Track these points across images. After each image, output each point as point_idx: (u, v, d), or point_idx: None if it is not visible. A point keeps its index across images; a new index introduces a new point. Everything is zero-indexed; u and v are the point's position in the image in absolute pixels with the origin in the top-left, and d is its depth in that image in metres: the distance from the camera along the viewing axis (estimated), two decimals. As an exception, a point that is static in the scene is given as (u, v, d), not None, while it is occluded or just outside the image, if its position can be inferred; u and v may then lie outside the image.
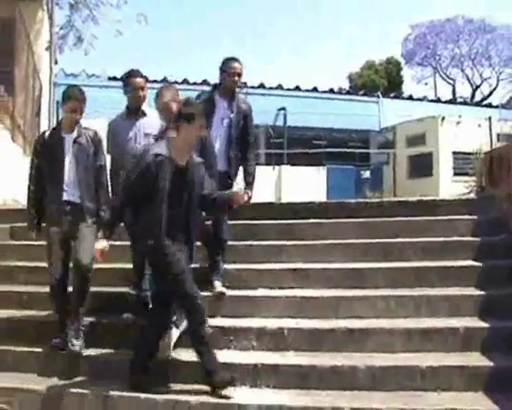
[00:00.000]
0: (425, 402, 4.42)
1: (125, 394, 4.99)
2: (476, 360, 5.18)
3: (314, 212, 6.21)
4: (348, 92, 29.82)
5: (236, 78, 6.32)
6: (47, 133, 5.89)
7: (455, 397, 4.82)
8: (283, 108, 22.41)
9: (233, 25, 77.53)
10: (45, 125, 14.09)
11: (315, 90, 25.27)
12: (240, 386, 5.08)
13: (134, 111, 6.23)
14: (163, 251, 4.98)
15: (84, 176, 5.63)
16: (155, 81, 22.60)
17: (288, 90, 24.70)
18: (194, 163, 5.17)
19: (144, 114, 6.20)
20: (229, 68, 6.29)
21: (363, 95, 27.84)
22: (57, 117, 16.28)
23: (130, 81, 6.17)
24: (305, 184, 18.80)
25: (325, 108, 22.73)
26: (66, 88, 5.88)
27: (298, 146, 21.86)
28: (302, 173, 19.89)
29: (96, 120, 18.37)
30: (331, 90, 25.81)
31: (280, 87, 24.57)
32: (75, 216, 5.55)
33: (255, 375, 5.15)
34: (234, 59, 6.36)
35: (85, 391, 5.09)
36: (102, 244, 5.09)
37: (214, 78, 6.62)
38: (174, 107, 5.56)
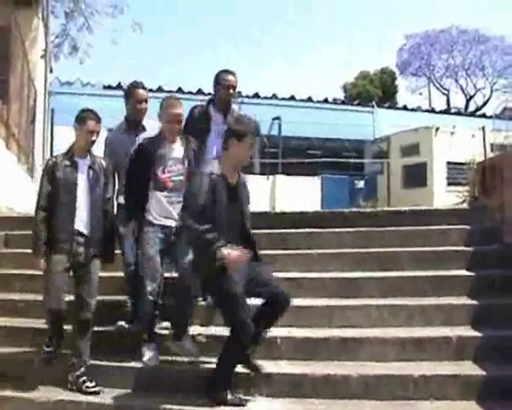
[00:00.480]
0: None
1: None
2: (469, 368, 5.20)
3: (308, 221, 6.23)
4: (343, 102, 29.92)
5: (231, 90, 6.24)
6: (59, 158, 5.51)
7: (448, 406, 4.85)
8: (278, 118, 22.46)
9: (228, 32, 77.66)
10: (40, 134, 14.10)
11: (309, 99, 25.36)
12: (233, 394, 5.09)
13: (134, 124, 6.14)
14: (223, 274, 4.81)
15: (96, 206, 5.41)
16: (150, 90, 22.74)
17: (283, 99, 24.78)
18: (242, 181, 5.19)
19: (144, 129, 6.09)
20: (223, 81, 6.19)
21: (358, 105, 27.95)
22: (51, 126, 16.32)
23: (132, 93, 6.13)
24: (300, 193, 18.83)
25: (320, 118, 22.80)
26: (80, 111, 5.65)
27: (292, 156, 21.90)
28: (296, 183, 19.93)
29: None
30: (326, 100, 25.89)
31: (274, 97, 24.65)
32: (86, 248, 5.33)
33: (248, 383, 5.15)
34: (228, 71, 6.27)
35: (82, 399, 5.09)
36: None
37: (209, 87, 6.65)
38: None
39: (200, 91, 22.27)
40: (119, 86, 22.75)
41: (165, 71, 64.69)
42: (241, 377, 5.15)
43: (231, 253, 4.74)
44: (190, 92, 22.84)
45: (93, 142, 5.52)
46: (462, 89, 43.66)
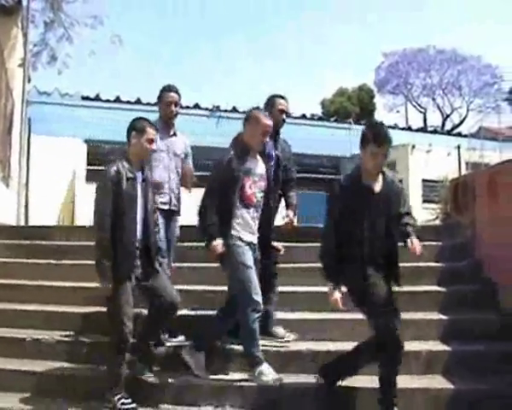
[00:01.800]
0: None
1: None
2: (438, 382, 5.28)
3: (284, 236, 6.25)
4: (320, 118, 30.08)
5: (284, 115, 6.24)
6: (120, 168, 5.13)
7: (416, 419, 4.91)
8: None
9: (203, 40, 77.78)
10: (17, 143, 14.03)
11: (287, 115, 25.40)
12: (205, 406, 5.14)
13: (167, 125, 6.18)
14: (365, 281, 4.78)
15: (149, 220, 5.28)
16: (128, 102, 22.70)
17: (262, 114, 24.84)
18: (389, 182, 4.94)
19: (175, 134, 6.25)
20: (279, 105, 6.20)
21: (335, 121, 28.12)
22: (28, 135, 16.23)
23: (162, 95, 6.17)
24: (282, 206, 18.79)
25: (297, 134, 22.83)
26: (133, 120, 5.41)
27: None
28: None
29: (71, 140, 18.47)
30: (303, 116, 26.01)
31: (253, 111, 24.74)
32: (147, 258, 5.25)
33: (221, 395, 5.19)
34: (282, 96, 6.30)
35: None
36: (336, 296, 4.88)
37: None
38: None
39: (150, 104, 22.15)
40: (97, 97, 22.72)
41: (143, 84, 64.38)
42: (214, 389, 5.20)
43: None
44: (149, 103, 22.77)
45: (152, 151, 5.48)
46: (438, 108, 44.15)
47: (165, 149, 6.10)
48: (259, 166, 5.52)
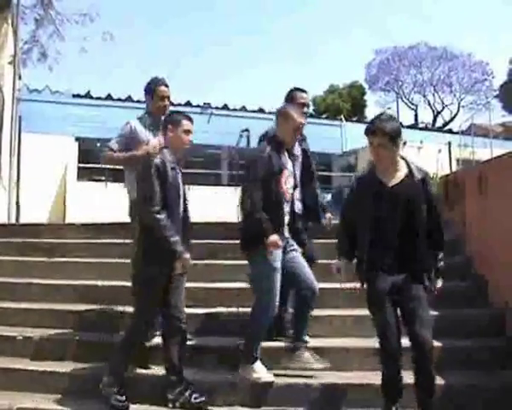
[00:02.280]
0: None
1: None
2: (429, 378, 5.29)
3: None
4: (311, 115, 30.09)
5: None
6: (163, 160, 5.11)
7: (408, 414, 4.92)
8: (247, 130, 22.52)
9: (200, 41, 77.65)
10: (7, 141, 13.97)
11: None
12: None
13: (157, 120, 6.00)
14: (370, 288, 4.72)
15: (188, 208, 5.35)
16: (119, 100, 22.64)
17: (252, 111, 24.84)
18: (411, 178, 4.63)
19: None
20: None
21: (326, 118, 28.14)
22: (19, 133, 16.18)
23: (154, 90, 6.04)
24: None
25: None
26: (170, 114, 5.48)
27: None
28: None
29: (62, 138, 18.41)
30: (295, 113, 26.01)
31: (244, 109, 24.72)
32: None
33: (212, 392, 5.19)
34: (303, 89, 6.34)
35: None
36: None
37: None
38: None
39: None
40: (88, 95, 22.66)
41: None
42: (206, 387, 5.21)
43: None
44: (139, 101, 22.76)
45: (190, 142, 5.36)
46: (429, 104, 44.30)
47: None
48: (289, 163, 5.52)
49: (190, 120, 5.35)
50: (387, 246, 4.57)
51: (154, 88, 6.06)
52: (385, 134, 4.56)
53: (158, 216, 4.95)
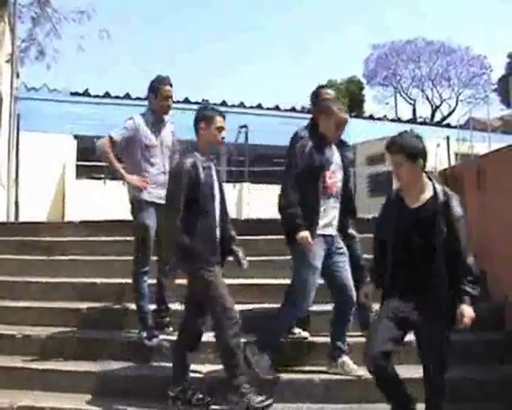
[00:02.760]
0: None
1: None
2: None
3: (272, 228, 6.26)
4: (309, 111, 30.08)
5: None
6: (195, 161, 5.06)
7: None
8: (245, 126, 22.48)
9: (196, 38, 77.65)
10: (5, 140, 13.97)
11: (277, 108, 25.42)
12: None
13: (159, 119, 6.12)
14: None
15: (225, 205, 5.27)
16: (117, 97, 22.62)
17: (251, 107, 24.81)
18: (436, 201, 4.41)
19: (164, 126, 6.18)
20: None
21: (325, 114, 28.06)
22: (18, 131, 16.16)
23: (159, 89, 6.05)
24: (266, 201, 18.74)
25: (287, 127, 22.82)
26: (202, 109, 5.34)
27: (259, 163, 21.92)
28: (263, 191, 19.92)
29: (60, 136, 18.38)
30: (293, 109, 25.99)
31: (242, 105, 24.70)
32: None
33: (212, 388, 5.20)
34: (328, 86, 6.36)
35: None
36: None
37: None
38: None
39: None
40: (86, 93, 22.64)
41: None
42: (204, 382, 5.21)
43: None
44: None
45: (222, 139, 5.25)
46: (428, 99, 44.24)
47: (158, 143, 6.07)
48: (336, 155, 5.51)
49: (223, 116, 5.25)
50: (404, 270, 4.41)
51: (158, 87, 6.06)
52: (399, 151, 4.44)
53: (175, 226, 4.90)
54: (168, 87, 6.08)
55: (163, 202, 5.86)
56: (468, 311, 4.22)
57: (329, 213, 5.36)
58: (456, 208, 4.37)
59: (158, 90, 6.05)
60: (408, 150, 4.40)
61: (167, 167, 6.09)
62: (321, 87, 6.30)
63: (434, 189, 4.45)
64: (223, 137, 5.22)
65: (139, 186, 5.89)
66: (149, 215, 5.91)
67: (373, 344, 4.32)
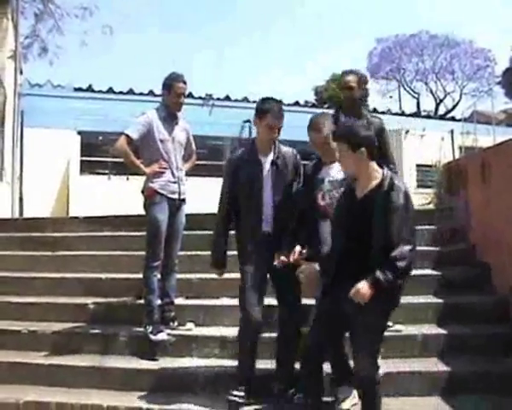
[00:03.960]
0: (384, 407, 4.49)
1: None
2: (434, 365, 5.32)
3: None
4: (313, 105, 30.01)
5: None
6: (243, 155, 5.25)
7: (412, 402, 4.97)
8: (249, 121, 22.44)
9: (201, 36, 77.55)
10: (9, 136, 13.99)
11: (280, 102, 25.34)
12: (202, 393, 5.15)
13: (172, 116, 6.17)
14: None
15: (282, 204, 5.09)
16: (121, 93, 22.62)
17: (254, 102, 24.78)
18: (378, 190, 4.24)
19: (177, 123, 6.22)
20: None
21: (328, 108, 28.06)
22: (21, 128, 16.18)
23: (173, 86, 6.08)
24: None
25: (290, 120, 22.78)
26: (260, 102, 5.24)
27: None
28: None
29: (64, 131, 18.41)
30: (297, 103, 25.95)
31: (246, 99, 24.68)
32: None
33: (216, 382, 5.23)
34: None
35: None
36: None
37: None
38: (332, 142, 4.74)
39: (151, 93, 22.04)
40: (89, 88, 22.65)
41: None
42: (210, 376, 5.21)
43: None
44: (142, 93, 22.70)
45: (276, 137, 5.15)
46: (432, 92, 44.08)
47: (170, 138, 6.09)
48: (334, 173, 4.99)
49: (279, 113, 5.12)
50: (345, 258, 4.27)
51: (171, 84, 6.09)
52: (341, 139, 4.37)
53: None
54: (181, 84, 6.11)
55: (176, 196, 5.90)
56: (360, 285, 4.02)
57: (326, 237, 4.83)
58: (395, 199, 4.14)
59: (171, 87, 6.08)
60: (349, 139, 4.30)
61: (180, 164, 6.15)
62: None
63: (382, 179, 4.28)
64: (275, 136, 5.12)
65: (160, 171, 5.95)
66: (162, 209, 5.92)
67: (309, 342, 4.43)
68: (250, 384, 4.98)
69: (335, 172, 4.92)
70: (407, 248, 4.09)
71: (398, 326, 5.69)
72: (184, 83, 6.13)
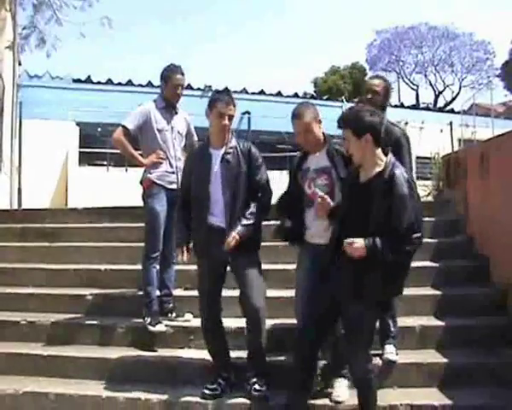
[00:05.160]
0: (381, 398, 4.51)
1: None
2: (431, 357, 5.34)
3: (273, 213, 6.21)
4: (312, 97, 30.02)
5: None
6: (196, 149, 5.38)
7: (410, 393, 4.97)
8: (248, 112, 22.44)
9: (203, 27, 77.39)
10: (8, 127, 13.97)
11: (279, 94, 25.36)
12: (200, 383, 5.15)
13: (171, 106, 6.16)
14: None
15: (235, 198, 5.00)
16: (120, 84, 22.59)
17: (253, 93, 24.78)
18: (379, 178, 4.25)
19: (176, 113, 6.21)
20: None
21: (327, 99, 28.05)
22: (20, 119, 16.15)
23: (170, 77, 6.06)
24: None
25: (289, 112, 22.69)
26: (212, 94, 5.24)
27: (262, 150, 21.82)
28: (266, 177, 19.83)
29: (63, 123, 18.40)
30: (296, 95, 25.94)
31: (244, 91, 24.66)
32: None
33: (214, 373, 5.21)
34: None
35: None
36: None
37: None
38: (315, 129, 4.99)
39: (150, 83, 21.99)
40: (88, 79, 22.62)
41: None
42: (207, 367, 5.24)
43: None
44: (141, 85, 22.65)
45: (226, 126, 5.07)
46: (431, 84, 44.14)
47: (169, 128, 6.10)
48: (319, 161, 5.02)
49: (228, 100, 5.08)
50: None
51: (169, 75, 6.08)
52: (346, 126, 4.38)
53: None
54: (179, 76, 6.10)
55: (174, 187, 5.89)
56: (357, 240, 4.09)
57: (313, 223, 4.95)
58: (400, 187, 4.13)
59: (169, 78, 6.07)
60: (354, 125, 4.32)
61: (179, 154, 6.15)
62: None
63: (385, 166, 4.27)
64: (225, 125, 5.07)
65: (158, 161, 5.97)
66: (159, 200, 5.93)
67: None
68: (221, 375, 5.11)
69: (319, 160, 4.98)
70: (414, 235, 4.13)
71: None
72: (182, 74, 6.12)
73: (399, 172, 4.21)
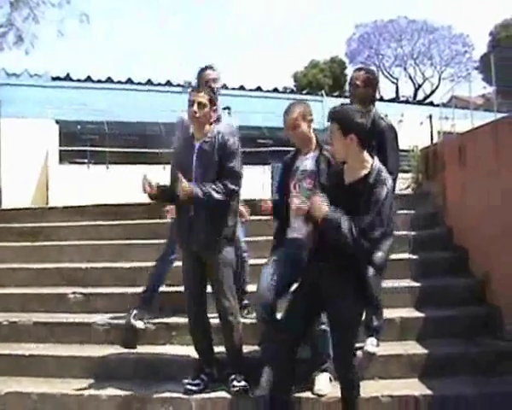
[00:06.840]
0: (362, 390, 4.54)
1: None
2: (412, 348, 5.39)
3: (255, 208, 6.22)
4: (292, 91, 30.05)
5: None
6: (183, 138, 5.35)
7: (391, 384, 5.02)
8: (228, 108, 22.37)
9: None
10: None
11: (259, 89, 25.36)
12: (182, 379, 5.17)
13: None
14: None
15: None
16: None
17: (233, 89, 24.76)
18: (366, 180, 4.21)
19: (219, 120, 5.77)
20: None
21: (307, 94, 28.08)
22: (-1, 118, 16.03)
23: (200, 75, 6.08)
24: (251, 182, 18.73)
25: (269, 108, 22.83)
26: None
27: (243, 145, 21.78)
28: (247, 171, 19.85)
29: (43, 121, 18.27)
30: (275, 90, 25.95)
31: (224, 87, 24.63)
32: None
33: (198, 369, 5.23)
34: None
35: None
36: None
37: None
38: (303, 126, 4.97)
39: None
40: (67, 77, 22.47)
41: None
42: (190, 363, 5.25)
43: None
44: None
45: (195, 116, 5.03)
46: (410, 78, 44.34)
47: None
48: (306, 163, 5.05)
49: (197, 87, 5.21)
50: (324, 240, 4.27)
51: (199, 74, 6.12)
52: (333, 120, 4.33)
53: None
54: (208, 71, 6.07)
55: None
56: (324, 205, 4.14)
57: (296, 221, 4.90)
58: (380, 192, 4.12)
59: (199, 78, 6.10)
60: (341, 121, 4.27)
61: None
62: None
63: (369, 171, 4.23)
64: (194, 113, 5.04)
65: None
66: None
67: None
68: (204, 370, 5.14)
69: (308, 163, 4.97)
70: (377, 233, 4.12)
71: None
72: (211, 68, 6.15)
73: (384, 177, 4.21)
